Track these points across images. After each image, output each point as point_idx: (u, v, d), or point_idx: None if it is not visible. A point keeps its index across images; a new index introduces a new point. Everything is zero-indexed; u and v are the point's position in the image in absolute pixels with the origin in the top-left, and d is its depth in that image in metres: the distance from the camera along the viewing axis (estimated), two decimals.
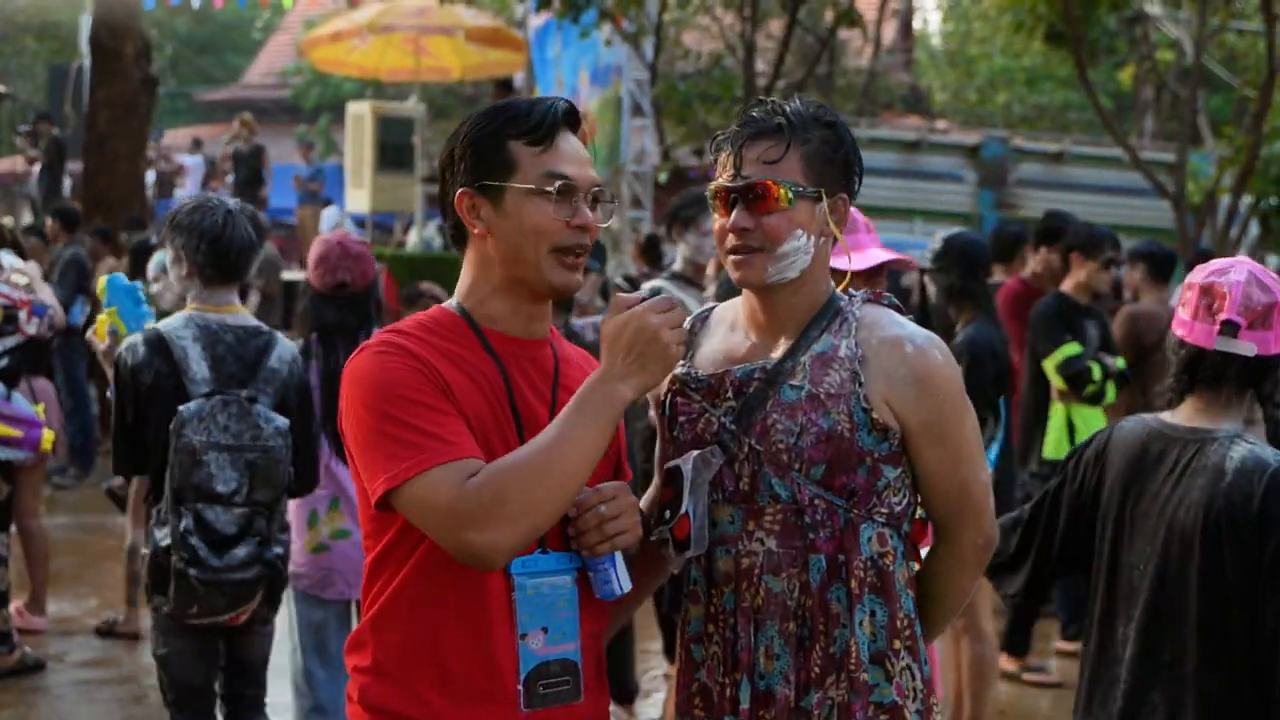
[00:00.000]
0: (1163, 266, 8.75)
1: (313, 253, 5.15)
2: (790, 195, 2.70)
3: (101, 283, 5.23)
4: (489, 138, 2.64)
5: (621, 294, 2.63)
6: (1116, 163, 18.14)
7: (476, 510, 2.43)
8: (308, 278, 5.17)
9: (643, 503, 2.83)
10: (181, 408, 4.40)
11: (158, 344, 4.52)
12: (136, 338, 4.63)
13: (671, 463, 2.75)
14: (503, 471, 2.47)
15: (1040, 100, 30.29)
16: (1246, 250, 18.25)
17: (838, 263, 2.87)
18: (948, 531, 2.83)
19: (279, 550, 4.51)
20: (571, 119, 2.69)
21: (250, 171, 20.66)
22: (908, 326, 2.77)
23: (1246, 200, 16.25)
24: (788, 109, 2.75)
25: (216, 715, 4.79)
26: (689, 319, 2.83)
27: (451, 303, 2.73)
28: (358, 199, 17.98)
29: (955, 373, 2.77)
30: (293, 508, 4.94)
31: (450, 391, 2.55)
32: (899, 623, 2.71)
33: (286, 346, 4.72)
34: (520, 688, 2.58)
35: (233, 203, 4.69)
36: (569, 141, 2.68)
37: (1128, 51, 26.16)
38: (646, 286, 6.48)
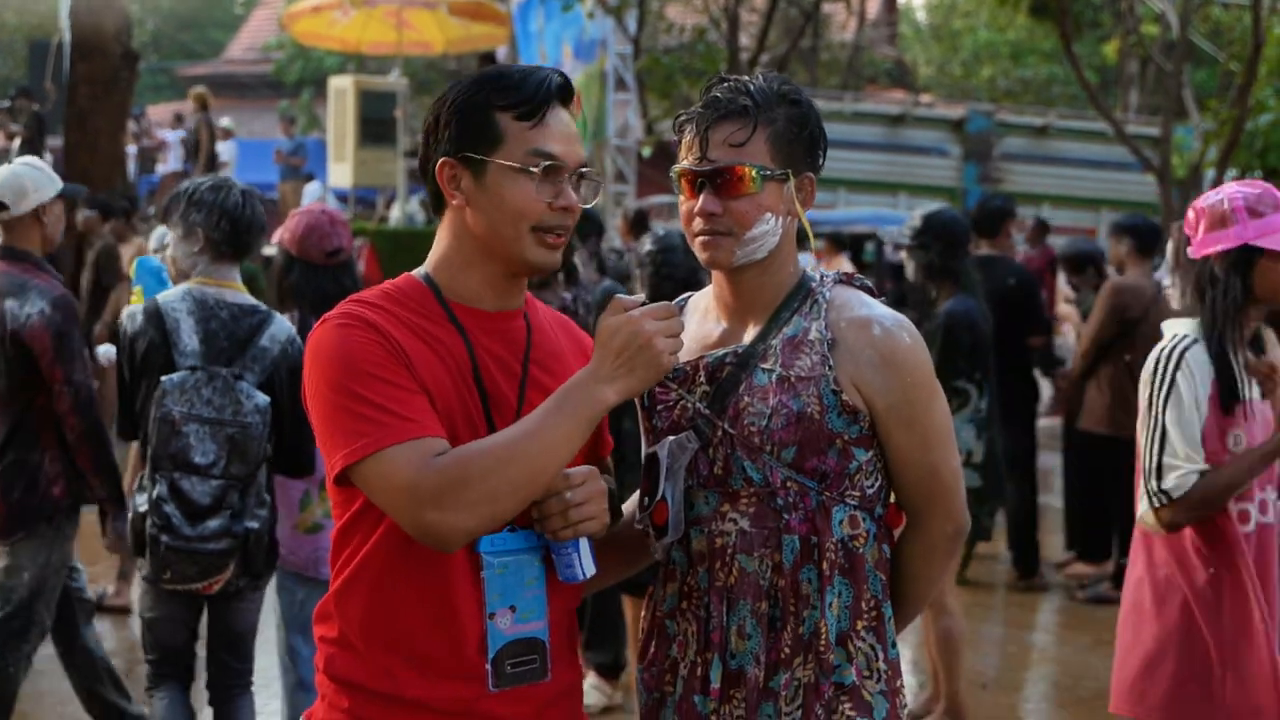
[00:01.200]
0: (1147, 240, 8.74)
1: (297, 225, 5.04)
2: (758, 179, 2.66)
3: (133, 263, 5.19)
4: (477, 107, 2.55)
5: (621, 296, 2.56)
6: (1101, 137, 18.19)
7: (436, 491, 2.39)
8: (291, 251, 5.06)
9: (635, 496, 2.81)
10: (164, 378, 4.44)
11: (154, 314, 4.58)
12: (137, 307, 4.68)
13: (648, 449, 2.73)
14: (469, 456, 2.43)
15: (1025, 74, 30.32)
16: None
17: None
18: (918, 517, 2.78)
19: (253, 525, 4.51)
20: (565, 93, 2.61)
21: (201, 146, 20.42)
22: (876, 308, 2.73)
23: (1231, 174, 16.23)
24: (752, 87, 2.69)
25: (193, 675, 4.87)
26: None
27: (419, 272, 2.66)
28: (340, 173, 17.92)
29: (923, 355, 2.71)
30: (284, 489, 4.93)
31: (412, 366, 2.50)
32: (864, 604, 2.68)
33: (283, 327, 4.71)
34: (489, 666, 2.55)
35: (243, 187, 4.76)
36: (559, 117, 2.60)
37: (1112, 25, 26.17)
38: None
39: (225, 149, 22.39)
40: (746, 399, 2.66)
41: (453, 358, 2.56)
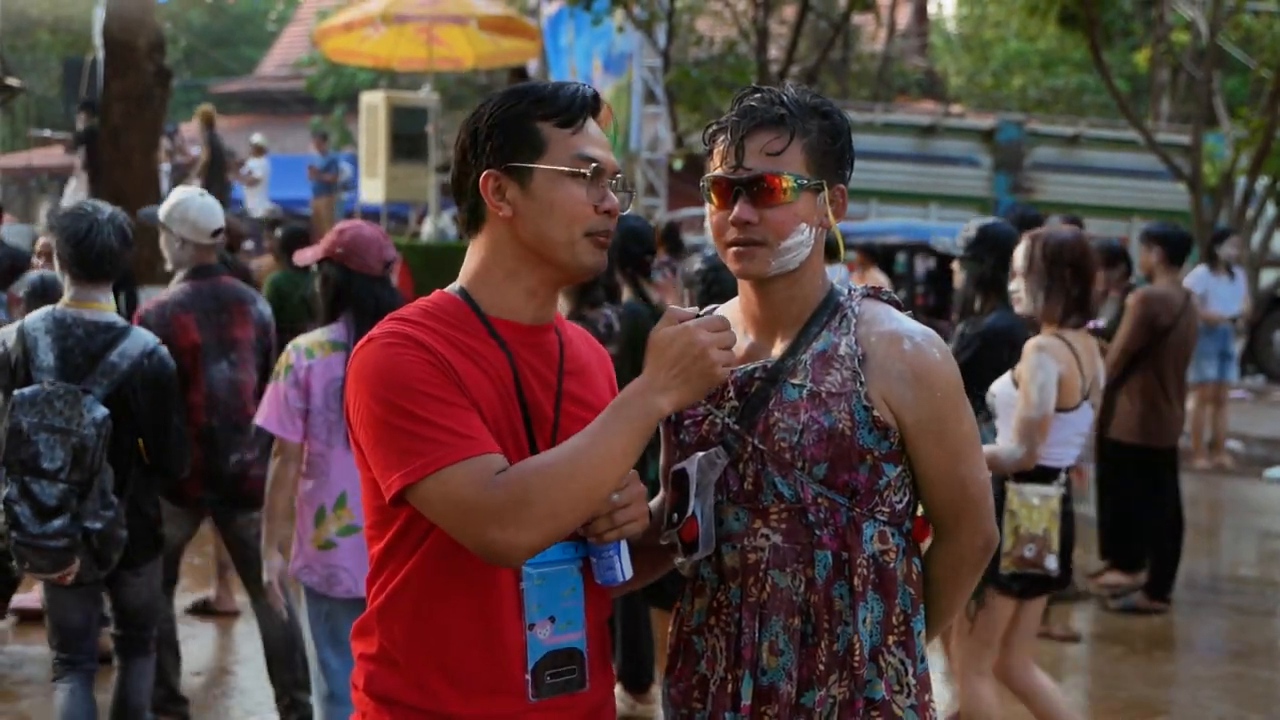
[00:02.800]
0: (1177, 249, 8.74)
1: (350, 239, 5.07)
2: (795, 188, 2.66)
3: None
4: (517, 118, 2.59)
5: (675, 307, 2.58)
6: (1132, 145, 18.12)
7: (500, 509, 2.40)
8: (349, 265, 5.05)
9: (652, 504, 2.81)
10: (15, 391, 4.92)
11: (20, 334, 5.06)
12: (11, 328, 5.16)
13: (677, 465, 2.72)
14: (530, 473, 2.44)
15: (1055, 84, 30.23)
16: (1263, 231, 18.21)
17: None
18: (947, 530, 2.79)
19: (95, 525, 4.95)
20: (597, 104, 2.66)
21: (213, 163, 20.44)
22: (906, 323, 2.73)
23: (1263, 181, 16.21)
24: (786, 98, 2.69)
25: (96, 666, 5.32)
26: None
27: (454, 288, 2.68)
28: (372, 189, 17.97)
29: (953, 370, 2.72)
30: (300, 505, 5.00)
31: (463, 384, 2.51)
32: (894, 619, 2.69)
33: (137, 342, 5.11)
34: (528, 677, 2.57)
35: (106, 211, 5.13)
36: (593, 126, 2.64)
37: (1143, 34, 26.09)
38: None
39: (258, 165, 22.48)
40: (777, 414, 2.66)
41: (496, 372, 2.58)
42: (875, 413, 2.64)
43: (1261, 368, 18.25)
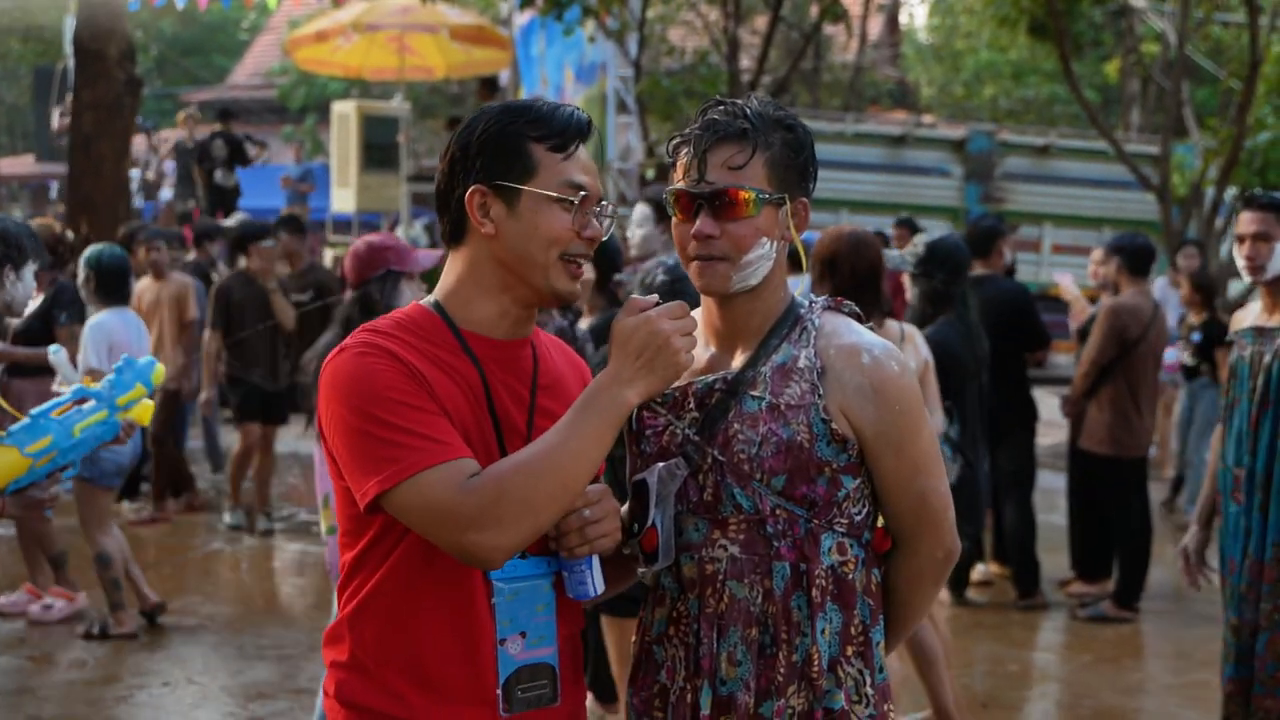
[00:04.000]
0: (1139, 259, 8.77)
1: (359, 252, 5.28)
2: (757, 202, 2.67)
3: None
4: (511, 137, 2.59)
5: (636, 297, 2.61)
6: (1102, 156, 18.16)
7: (477, 512, 2.42)
8: (366, 275, 5.22)
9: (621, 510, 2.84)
10: None
11: None
12: None
13: (637, 475, 2.73)
14: (504, 473, 2.46)
15: (1026, 94, 30.35)
16: (1231, 242, 18.30)
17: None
18: (907, 542, 2.80)
19: None
20: (589, 130, 2.67)
21: (184, 168, 20.37)
22: (865, 336, 2.74)
23: (1231, 191, 16.24)
24: (749, 111, 2.71)
25: None
26: None
27: (428, 301, 2.69)
28: (343, 198, 17.99)
29: (911, 383, 2.73)
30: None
31: (434, 392, 2.52)
32: (852, 629, 2.70)
33: None
34: (499, 692, 2.58)
35: None
36: (584, 152, 2.66)
37: (1113, 44, 26.20)
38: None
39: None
40: (736, 426, 2.67)
41: (467, 384, 2.59)
42: (833, 425, 2.66)
43: None
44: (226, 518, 10.72)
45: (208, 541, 10.47)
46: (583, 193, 2.60)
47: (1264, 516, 5.16)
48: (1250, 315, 5.36)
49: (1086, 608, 8.70)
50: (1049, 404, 10.99)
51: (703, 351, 2.79)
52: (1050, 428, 12.65)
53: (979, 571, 9.11)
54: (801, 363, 2.69)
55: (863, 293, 5.27)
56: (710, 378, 2.73)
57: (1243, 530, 5.24)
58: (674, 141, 2.77)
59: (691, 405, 2.73)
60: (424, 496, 2.43)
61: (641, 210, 6.98)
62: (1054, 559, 9.48)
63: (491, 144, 2.60)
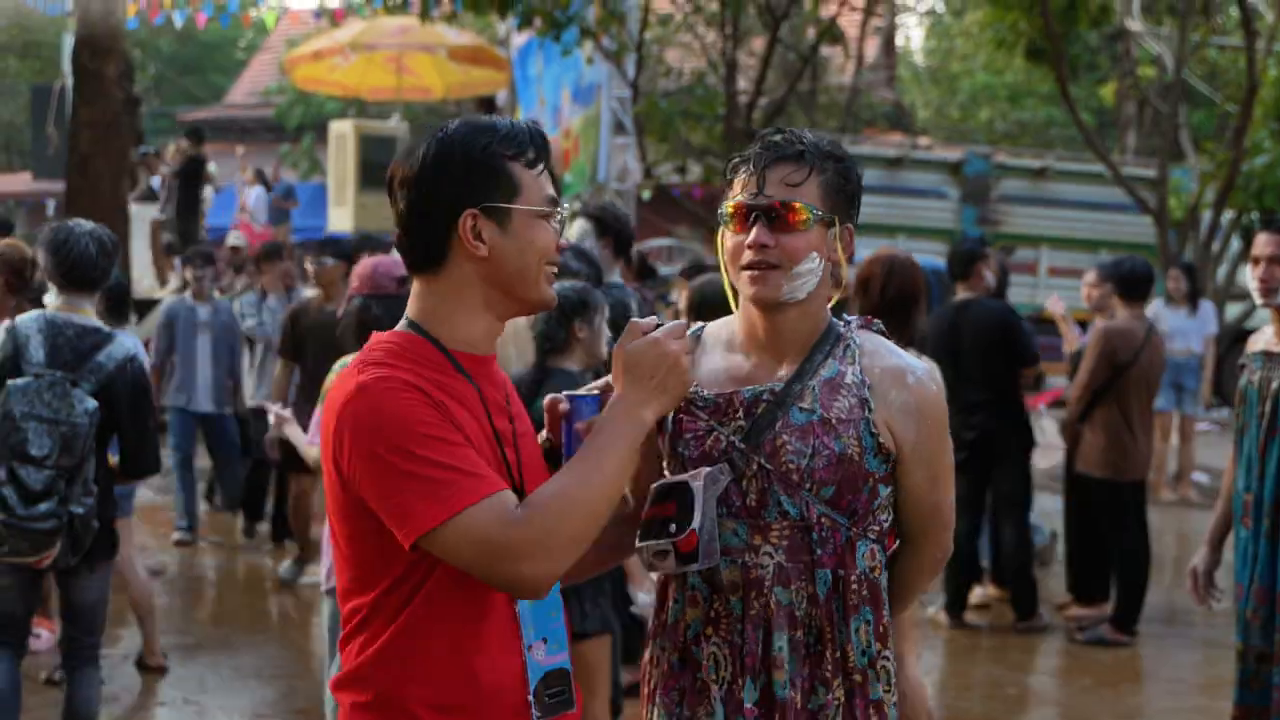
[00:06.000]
0: (1128, 283, 8.76)
1: (364, 270, 5.82)
2: (811, 217, 2.82)
3: None
4: (491, 158, 2.61)
5: (637, 320, 2.71)
6: (1099, 178, 18.21)
7: (527, 544, 2.45)
8: (365, 291, 5.75)
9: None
10: (10, 381, 5.23)
11: (11, 332, 5.39)
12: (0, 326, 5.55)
13: (678, 477, 2.82)
14: (547, 504, 2.49)
15: (1023, 116, 30.43)
16: (1229, 265, 18.33)
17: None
18: (913, 542, 3.01)
19: (78, 509, 5.23)
20: (548, 145, 2.73)
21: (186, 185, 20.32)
22: (906, 357, 2.95)
23: (1228, 215, 16.31)
24: (805, 140, 2.87)
25: (25, 649, 5.61)
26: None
27: (405, 325, 2.67)
28: (340, 217, 17.98)
29: (944, 403, 2.96)
30: None
31: (455, 420, 2.53)
32: (882, 626, 2.89)
33: (121, 347, 5.43)
34: (530, 698, 2.62)
35: (88, 229, 5.46)
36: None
37: (1109, 68, 26.28)
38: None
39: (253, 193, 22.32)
40: (785, 437, 2.82)
41: (470, 404, 2.61)
42: (881, 439, 2.84)
43: (1227, 401, 18.33)
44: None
45: (204, 562, 10.45)
46: (562, 206, 2.69)
47: (1271, 544, 5.14)
48: (1262, 340, 5.34)
49: (1085, 631, 8.69)
50: (1047, 426, 10.98)
51: (743, 360, 2.93)
52: (1049, 450, 12.63)
53: (977, 594, 9.09)
54: (849, 378, 2.87)
55: (893, 315, 5.30)
56: (758, 388, 2.86)
57: (1250, 556, 5.23)
58: (733, 162, 2.93)
59: (739, 413, 2.85)
60: (473, 533, 2.44)
61: (581, 225, 7.00)
62: (1054, 582, 9.46)
63: (475, 167, 2.60)
